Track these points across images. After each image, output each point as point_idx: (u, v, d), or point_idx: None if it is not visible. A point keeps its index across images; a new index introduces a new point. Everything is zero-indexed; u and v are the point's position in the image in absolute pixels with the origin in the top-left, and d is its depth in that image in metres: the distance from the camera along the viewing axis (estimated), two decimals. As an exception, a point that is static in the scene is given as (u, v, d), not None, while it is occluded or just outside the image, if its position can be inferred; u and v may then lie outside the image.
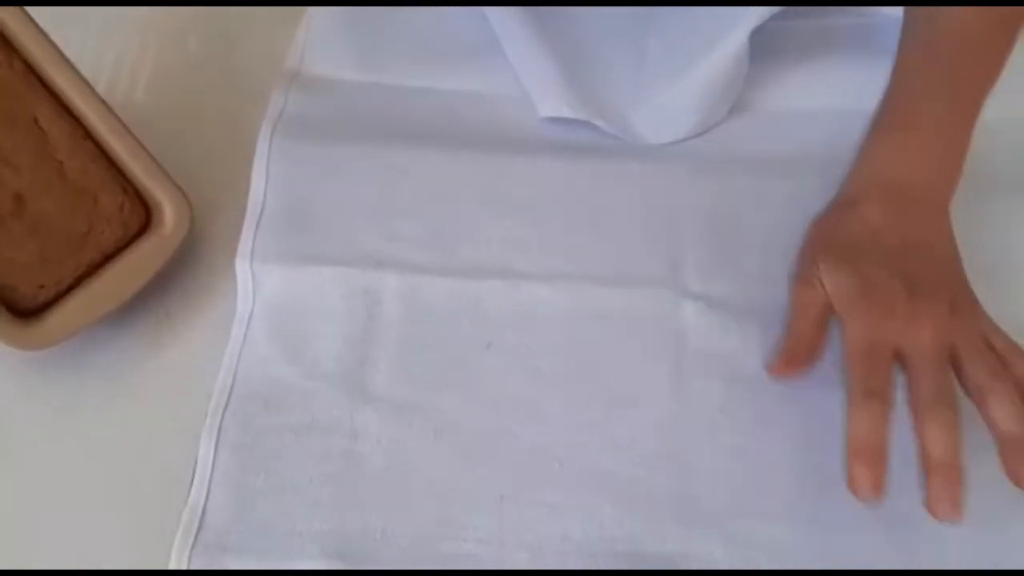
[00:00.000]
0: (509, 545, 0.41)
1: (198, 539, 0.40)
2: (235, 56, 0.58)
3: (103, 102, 0.46)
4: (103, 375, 0.46)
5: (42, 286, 0.45)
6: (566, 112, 0.55)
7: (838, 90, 0.58)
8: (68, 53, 0.45)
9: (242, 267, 0.48)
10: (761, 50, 0.56)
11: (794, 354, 0.42)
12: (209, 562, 0.40)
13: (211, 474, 0.42)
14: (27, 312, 0.45)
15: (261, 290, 0.47)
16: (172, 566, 0.39)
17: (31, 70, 0.45)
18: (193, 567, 0.39)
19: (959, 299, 0.42)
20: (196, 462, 0.43)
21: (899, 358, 0.40)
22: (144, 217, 0.48)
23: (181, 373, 0.46)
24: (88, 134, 0.46)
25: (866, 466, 0.37)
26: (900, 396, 0.42)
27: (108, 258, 0.47)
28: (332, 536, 0.41)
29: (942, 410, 0.38)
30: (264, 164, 0.51)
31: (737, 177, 0.54)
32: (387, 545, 0.41)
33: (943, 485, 0.37)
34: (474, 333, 0.47)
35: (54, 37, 0.45)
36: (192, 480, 0.42)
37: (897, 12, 0.56)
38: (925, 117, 0.46)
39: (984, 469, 0.41)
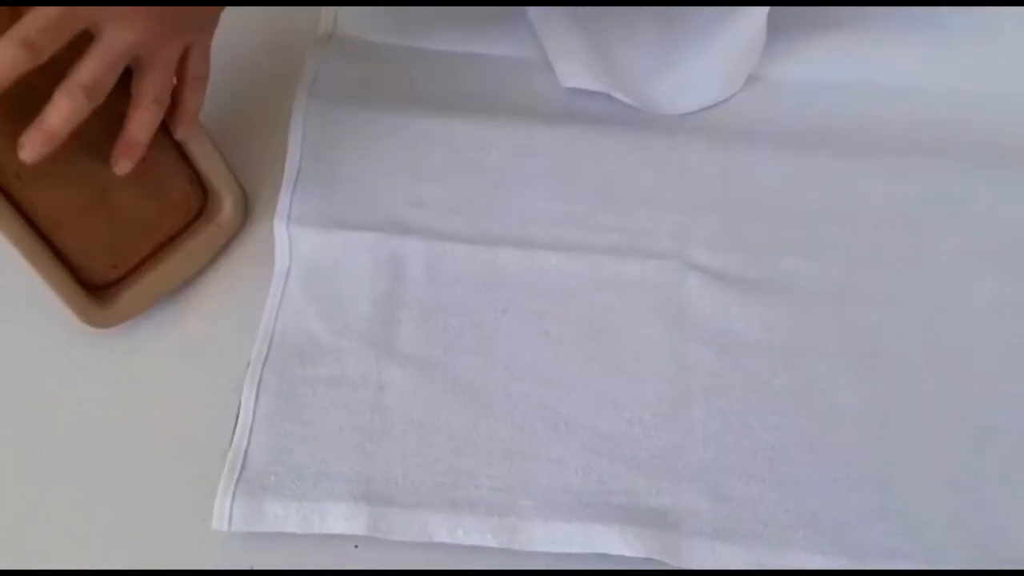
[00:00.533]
0: (516, 494, 0.45)
1: (241, 478, 0.45)
2: (271, 14, 0.61)
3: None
4: (155, 330, 0.51)
5: (114, 266, 0.49)
6: (588, 83, 0.57)
7: (856, 62, 0.60)
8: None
9: (279, 228, 0.52)
10: (780, 20, 0.58)
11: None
12: (250, 500, 0.45)
13: (252, 421, 0.47)
14: (96, 288, 0.49)
15: (297, 250, 0.51)
16: (217, 505, 0.44)
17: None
18: (237, 505, 0.44)
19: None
20: (239, 409, 0.47)
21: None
22: (203, 202, 0.52)
23: (226, 325, 0.50)
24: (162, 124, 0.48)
25: (40, 144, 0.41)
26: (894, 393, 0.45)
27: (172, 239, 0.51)
28: (359, 480, 0.45)
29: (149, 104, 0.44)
30: (300, 128, 0.55)
31: (752, 150, 0.56)
32: (407, 489, 0.45)
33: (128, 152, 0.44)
34: (491, 298, 0.51)
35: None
36: (235, 426, 0.47)
37: None
38: None
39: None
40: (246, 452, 0.46)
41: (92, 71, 0.41)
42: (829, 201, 0.54)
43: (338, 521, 0.45)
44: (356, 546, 0.45)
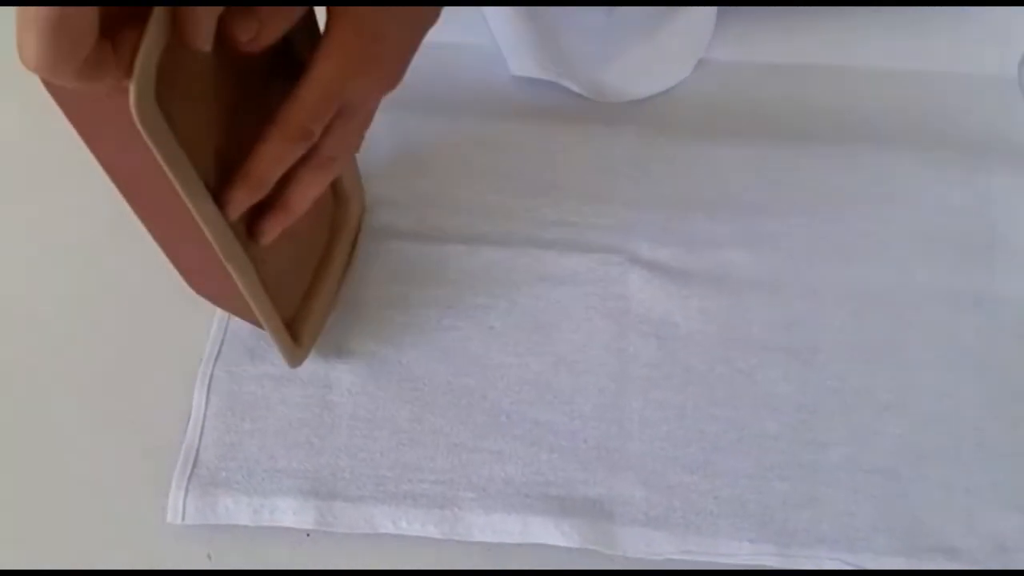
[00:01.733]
0: (458, 486, 0.47)
1: (193, 474, 0.47)
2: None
3: None
4: (111, 329, 0.52)
5: (292, 303, 0.48)
6: (536, 72, 0.58)
7: (807, 44, 0.61)
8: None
9: (230, 228, 0.53)
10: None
11: None
12: (202, 494, 0.47)
13: (204, 418, 0.49)
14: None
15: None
16: (171, 499, 0.46)
17: None
18: (190, 500, 0.46)
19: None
20: (192, 406, 0.49)
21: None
22: (333, 208, 0.51)
23: (179, 324, 0.52)
24: None
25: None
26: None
27: (322, 257, 0.50)
28: (306, 474, 0.47)
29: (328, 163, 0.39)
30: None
31: (696, 142, 0.57)
32: (353, 484, 0.47)
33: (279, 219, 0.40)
34: (438, 294, 0.52)
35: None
36: (188, 423, 0.48)
37: None
38: None
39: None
40: (198, 448, 0.48)
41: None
42: (769, 192, 0.55)
43: (287, 515, 0.46)
44: (308, 534, 0.47)
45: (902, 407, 0.49)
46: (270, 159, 0.36)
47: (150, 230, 0.42)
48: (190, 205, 0.34)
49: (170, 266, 0.52)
